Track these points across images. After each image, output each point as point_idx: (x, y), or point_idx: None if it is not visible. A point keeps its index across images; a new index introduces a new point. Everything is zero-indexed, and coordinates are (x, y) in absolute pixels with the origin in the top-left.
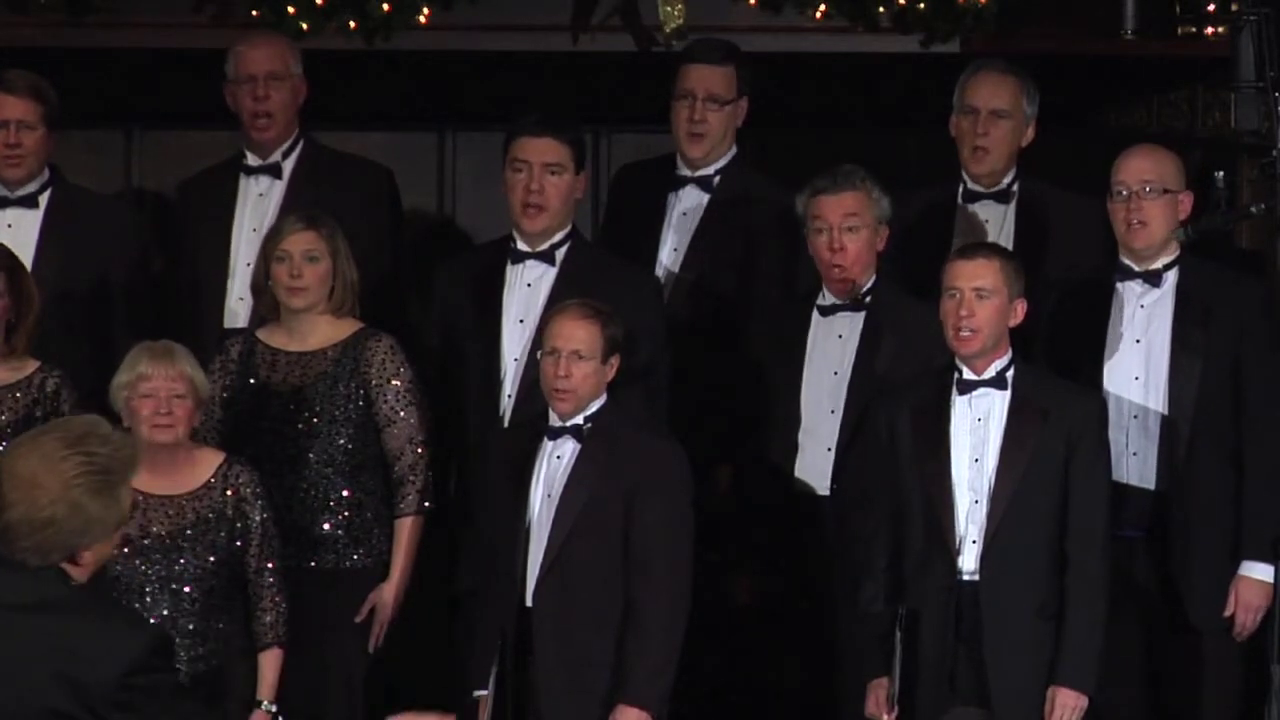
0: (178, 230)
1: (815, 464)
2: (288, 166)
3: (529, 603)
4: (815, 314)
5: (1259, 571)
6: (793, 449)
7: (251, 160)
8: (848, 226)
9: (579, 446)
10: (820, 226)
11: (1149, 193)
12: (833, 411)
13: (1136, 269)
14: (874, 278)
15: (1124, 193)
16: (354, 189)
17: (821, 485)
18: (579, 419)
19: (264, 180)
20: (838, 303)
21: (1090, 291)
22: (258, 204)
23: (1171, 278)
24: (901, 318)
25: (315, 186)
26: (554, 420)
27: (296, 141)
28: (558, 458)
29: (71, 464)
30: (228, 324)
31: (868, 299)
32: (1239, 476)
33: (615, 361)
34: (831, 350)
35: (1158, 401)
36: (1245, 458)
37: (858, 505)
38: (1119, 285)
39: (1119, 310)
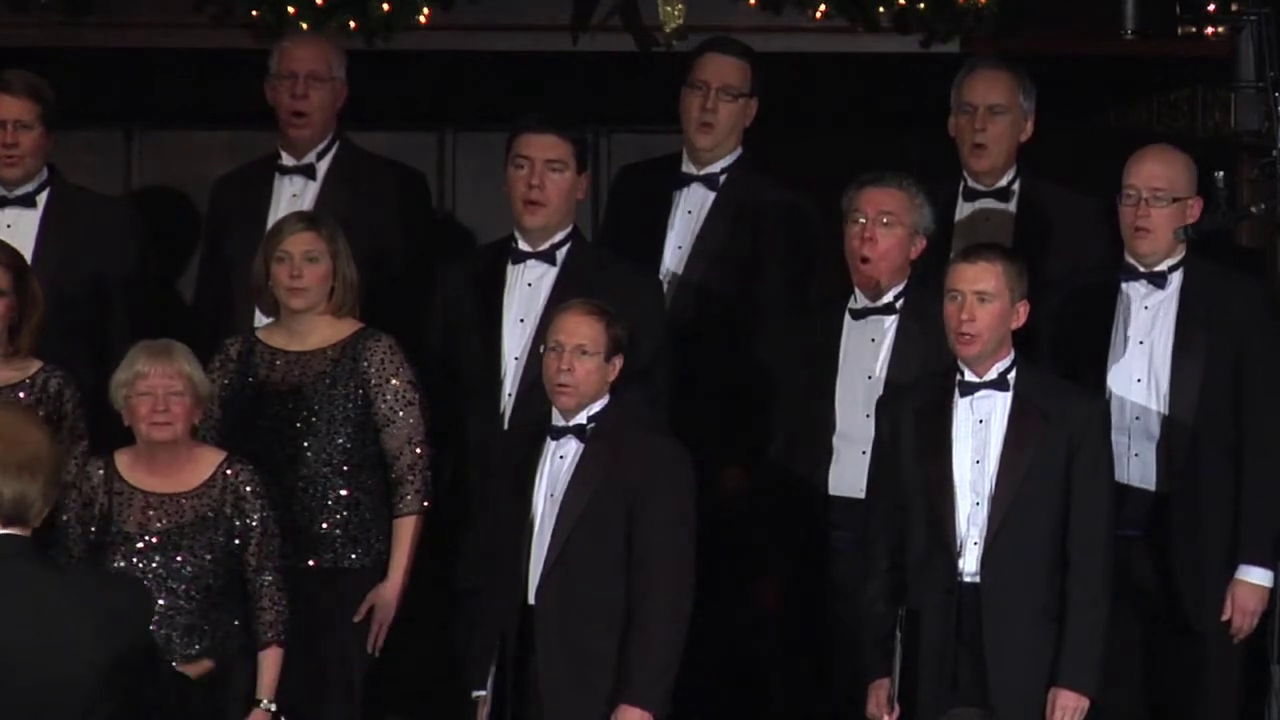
0: (211, 227)
1: (850, 467)
2: (322, 167)
3: (531, 601)
4: (847, 317)
5: (1255, 576)
6: (827, 453)
7: (286, 160)
8: (883, 221)
9: (582, 446)
10: (857, 218)
11: (1158, 199)
12: (867, 416)
13: (1141, 270)
14: (905, 282)
15: (1133, 196)
16: (387, 191)
17: (857, 489)
18: (582, 418)
19: (298, 180)
20: (870, 306)
21: (1094, 293)
22: (292, 204)
23: (1176, 279)
24: (933, 320)
25: (349, 188)
26: (557, 420)
27: (332, 143)
28: (560, 457)
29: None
30: (259, 323)
31: (899, 302)
32: (1239, 478)
33: (618, 362)
34: (865, 354)
35: (1160, 403)
36: (1244, 460)
37: (869, 504)
38: (1124, 286)
39: (1123, 311)
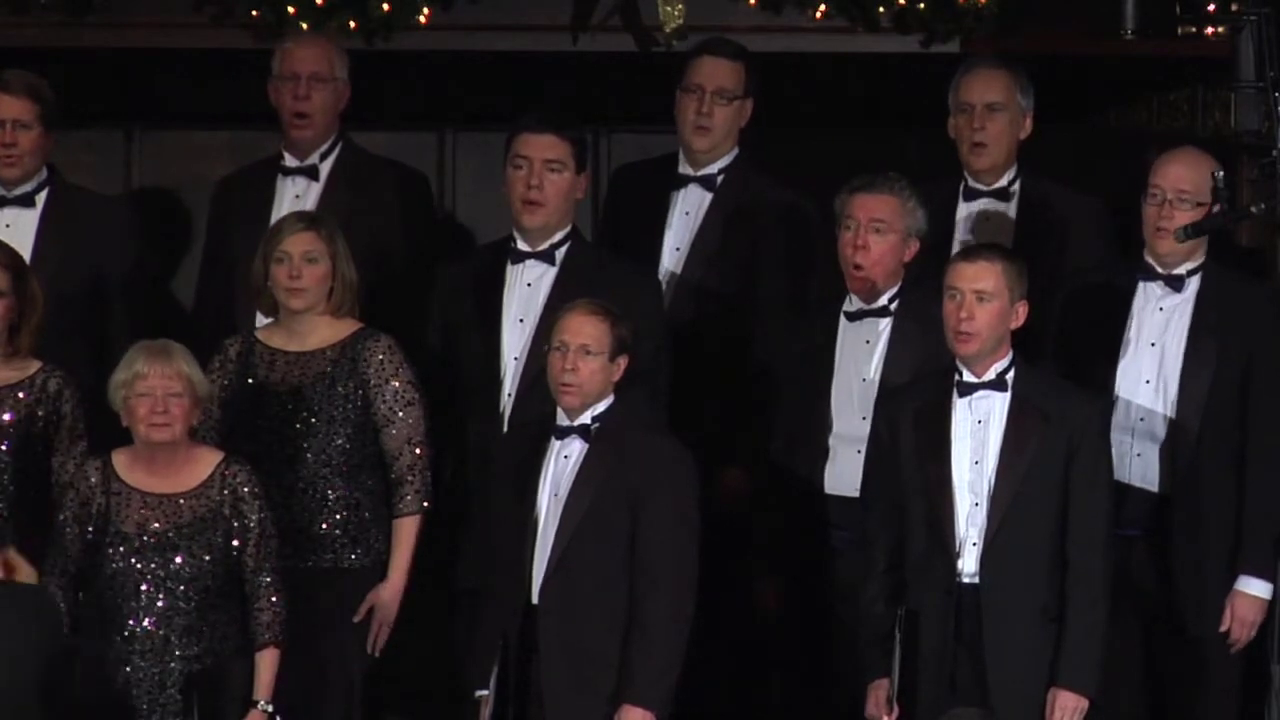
0: (213, 228)
1: (847, 468)
2: (325, 169)
3: (535, 600)
4: (842, 319)
5: (1255, 587)
6: (823, 453)
7: (289, 161)
8: (874, 228)
9: (586, 446)
10: (849, 224)
11: (1183, 202)
12: (864, 418)
13: (1160, 271)
14: (900, 284)
15: (1159, 197)
16: (389, 192)
17: (853, 489)
18: (586, 418)
19: (300, 181)
20: (865, 308)
21: (1105, 291)
22: (294, 205)
23: (1194, 283)
24: (928, 323)
25: (351, 189)
26: (561, 420)
27: (335, 144)
28: (565, 457)
29: None
30: (260, 324)
31: (894, 305)
32: (1241, 485)
33: (623, 362)
34: (859, 356)
35: (1166, 405)
36: (1247, 468)
37: (868, 504)
38: (1140, 285)
39: (1136, 312)
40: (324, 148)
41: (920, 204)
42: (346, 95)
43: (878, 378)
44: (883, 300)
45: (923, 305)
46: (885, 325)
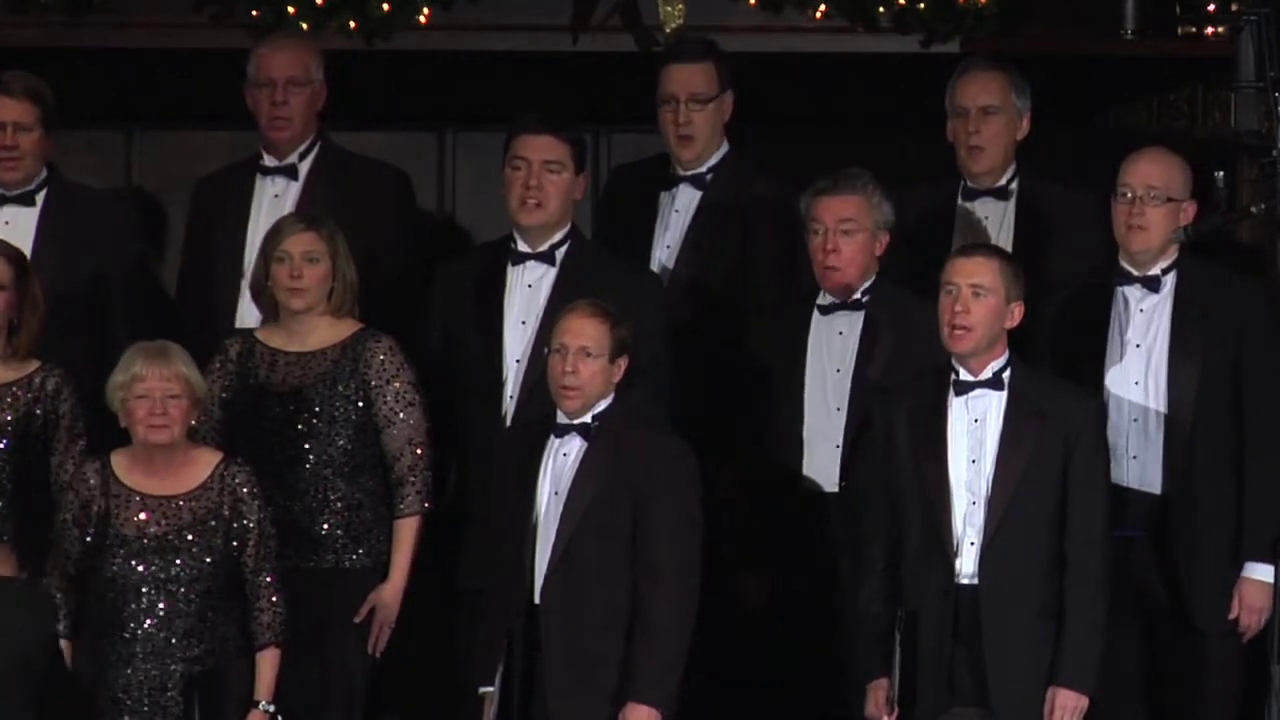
0: (193, 228)
1: (823, 462)
2: (304, 168)
3: (537, 599)
4: (815, 313)
5: (1261, 573)
6: (799, 447)
7: (268, 161)
8: (843, 229)
9: (586, 444)
10: (817, 228)
11: (1152, 199)
12: (838, 409)
13: (1135, 273)
14: (873, 278)
15: (1128, 195)
16: (369, 191)
17: (829, 483)
18: (586, 417)
19: (280, 181)
20: (837, 301)
21: (1091, 296)
22: (273, 205)
23: (1170, 281)
24: (901, 314)
25: (331, 188)
26: (561, 418)
27: (314, 144)
28: (564, 455)
29: None
30: (239, 324)
31: (866, 297)
32: (1239, 478)
33: (623, 363)
34: (833, 348)
35: (1158, 404)
36: (1246, 460)
37: (864, 503)
38: (1119, 290)
39: (1119, 314)
40: (302, 148)
41: (885, 196)
42: (324, 95)
43: (851, 369)
44: (855, 294)
45: (894, 296)
46: (858, 317)
